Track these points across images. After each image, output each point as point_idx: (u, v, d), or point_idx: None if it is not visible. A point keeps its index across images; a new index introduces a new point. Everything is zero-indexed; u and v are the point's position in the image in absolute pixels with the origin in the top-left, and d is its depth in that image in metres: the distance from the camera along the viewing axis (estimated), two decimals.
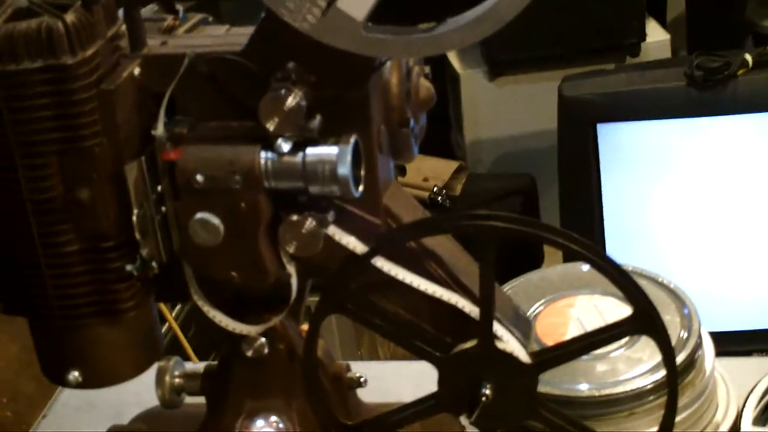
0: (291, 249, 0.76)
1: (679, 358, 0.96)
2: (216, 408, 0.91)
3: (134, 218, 0.77)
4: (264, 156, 0.74)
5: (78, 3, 0.75)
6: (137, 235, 0.78)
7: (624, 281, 0.78)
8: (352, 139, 0.74)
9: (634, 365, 0.98)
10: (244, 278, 0.78)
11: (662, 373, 0.95)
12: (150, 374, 0.89)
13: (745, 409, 1.05)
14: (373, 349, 2.17)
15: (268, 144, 0.74)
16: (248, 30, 0.76)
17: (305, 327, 0.84)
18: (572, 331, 1.00)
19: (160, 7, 0.85)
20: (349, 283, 0.80)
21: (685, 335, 1.00)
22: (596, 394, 0.96)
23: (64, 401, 1.25)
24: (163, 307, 1.49)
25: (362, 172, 0.76)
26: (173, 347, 1.54)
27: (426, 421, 0.85)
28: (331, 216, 0.77)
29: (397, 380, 1.12)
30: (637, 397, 0.96)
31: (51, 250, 0.78)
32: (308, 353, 0.83)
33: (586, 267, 1.07)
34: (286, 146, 0.74)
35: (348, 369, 0.91)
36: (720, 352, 1.04)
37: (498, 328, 0.80)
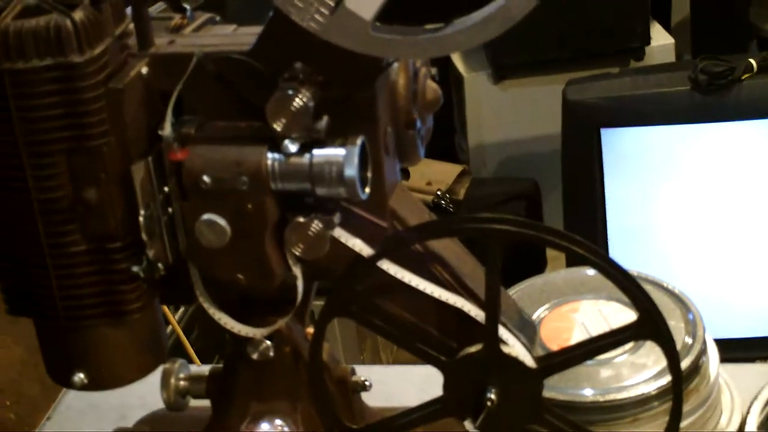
0: (297, 251, 0.76)
1: (684, 364, 0.96)
2: (221, 410, 0.91)
3: (141, 219, 0.77)
4: (271, 157, 0.74)
5: (86, 1, 0.75)
6: (144, 236, 0.77)
7: (630, 286, 0.78)
8: (359, 141, 0.74)
9: (639, 371, 0.97)
10: (250, 280, 0.78)
11: (667, 378, 0.95)
12: (155, 376, 0.88)
13: (749, 416, 1.04)
14: (375, 354, 2.17)
15: (275, 145, 0.74)
16: (256, 30, 0.76)
17: (311, 330, 0.84)
18: (577, 336, 1.00)
19: (167, 6, 0.85)
20: (355, 286, 0.80)
21: (690, 341, 1.00)
22: (600, 399, 0.96)
23: (68, 403, 1.25)
24: (166, 309, 1.49)
25: (369, 174, 0.76)
26: (176, 350, 1.54)
27: (430, 426, 0.85)
28: (337, 218, 0.76)
29: (401, 384, 1.12)
30: (642, 402, 0.96)
31: (57, 250, 0.78)
32: (314, 356, 0.83)
33: (590, 272, 1.07)
34: (293, 147, 0.73)
35: (353, 372, 0.91)
36: (724, 359, 1.04)
37: (503, 333, 0.79)
